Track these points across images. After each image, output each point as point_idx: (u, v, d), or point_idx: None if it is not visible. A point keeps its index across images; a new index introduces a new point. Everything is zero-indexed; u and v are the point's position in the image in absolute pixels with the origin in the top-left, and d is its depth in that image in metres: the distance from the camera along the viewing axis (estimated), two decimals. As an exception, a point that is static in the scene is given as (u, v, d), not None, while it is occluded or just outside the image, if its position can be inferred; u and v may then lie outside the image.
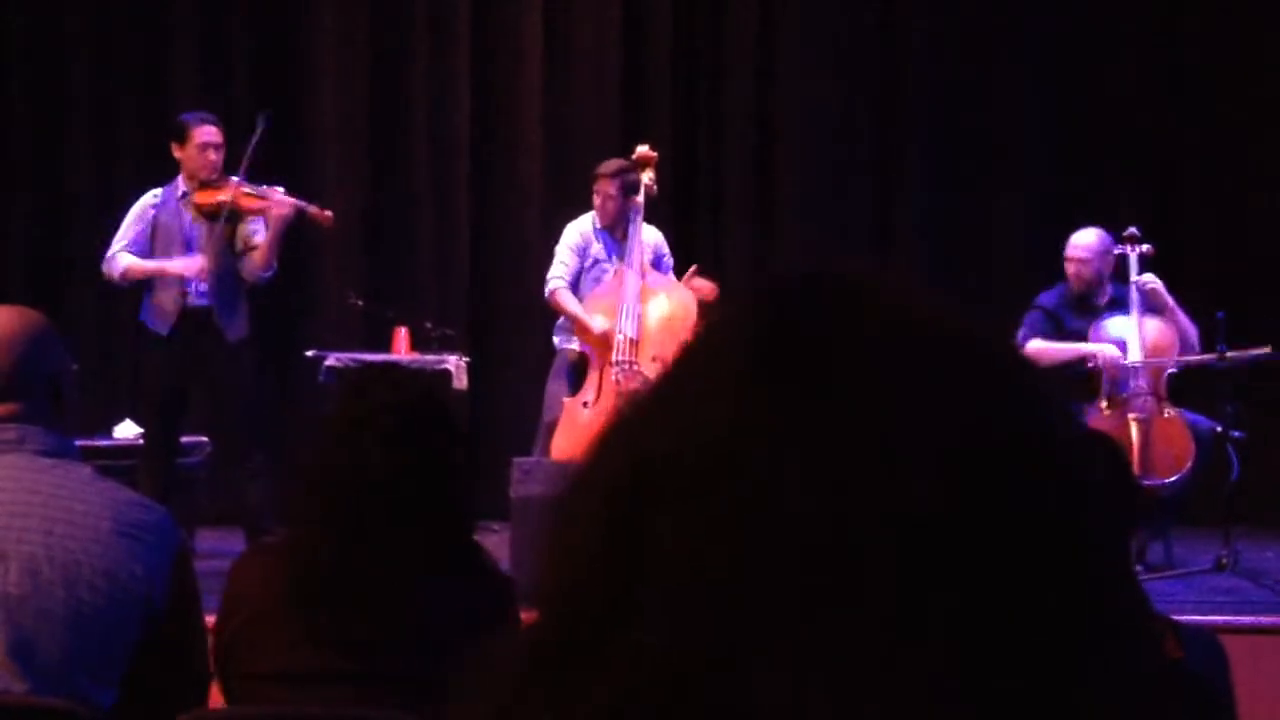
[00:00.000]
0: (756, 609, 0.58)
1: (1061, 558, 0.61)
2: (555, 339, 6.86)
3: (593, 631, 0.61)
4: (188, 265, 6.25)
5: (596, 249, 6.73)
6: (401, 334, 7.27)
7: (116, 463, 6.05)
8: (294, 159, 8.02)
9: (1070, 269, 6.46)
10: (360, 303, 7.60)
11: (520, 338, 7.98)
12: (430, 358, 7.10)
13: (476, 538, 2.45)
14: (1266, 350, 6.03)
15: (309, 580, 2.31)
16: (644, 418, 0.65)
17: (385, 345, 7.27)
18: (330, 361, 6.94)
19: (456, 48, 8.41)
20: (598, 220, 6.75)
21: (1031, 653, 0.59)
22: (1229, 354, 6.00)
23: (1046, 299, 6.50)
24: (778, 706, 0.57)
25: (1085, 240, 6.46)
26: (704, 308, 6.39)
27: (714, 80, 8.46)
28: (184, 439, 6.57)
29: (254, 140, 6.36)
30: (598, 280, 6.68)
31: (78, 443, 2.64)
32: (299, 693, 2.28)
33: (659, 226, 6.93)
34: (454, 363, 7.07)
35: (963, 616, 0.58)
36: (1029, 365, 0.66)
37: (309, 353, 7.19)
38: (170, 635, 2.41)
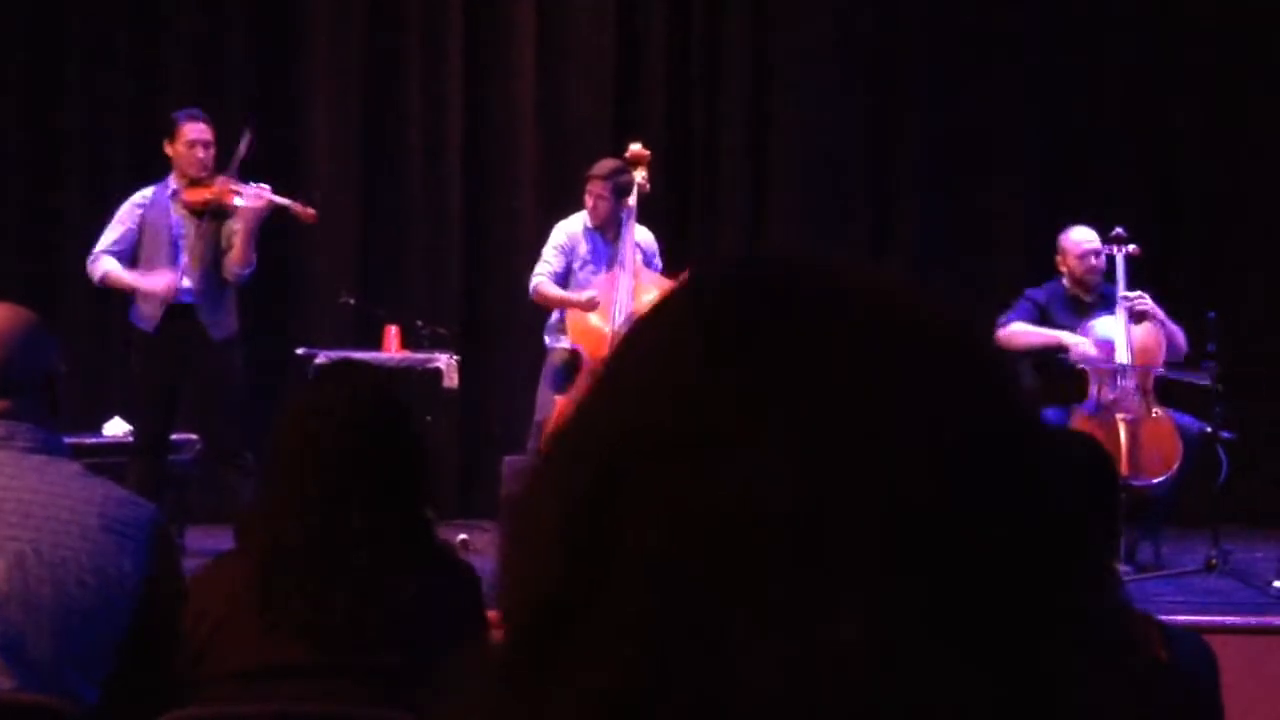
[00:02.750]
0: (726, 592, 0.58)
1: (1025, 549, 0.61)
2: (546, 338, 6.86)
3: (564, 626, 0.61)
4: (157, 282, 6.25)
5: (585, 250, 6.74)
6: (392, 332, 7.27)
7: (105, 460, 6.04)
8: (288, 157, 8.01)
9: (1079, 264, 6.43)
10: (352, 301, 7.60)
11: (512, 337, 7.98)
12: (421, 356, 7.10)
13: (465, 536, 2.45)
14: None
15: (271, 572, 2.32)
16: (608, 404, 0.64)
17: (376, 344, 7.27)
18: (321, 359, 6.92)
19: (449, 45, 8.40)
20: (589, 220, 6.75)
21: (998, 645, 0.60)
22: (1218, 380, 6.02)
23: (1037, 293, 6.53)
24: (755, 689, 0.57)
25: (1088, 234, 6.47)
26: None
27: (709, 78, 8.45)
28: (174, 437, 6.57)
29: (240, 148, 6.35)
30: (588, 280, 6.69)
31: (66, 440, 2.64)
32: (274, 687, 2.29)
33: (652, 225, 6.93)
34: (445, 361, 7.07)
35: (931, 603, 0.59)
36: (1002, 356, 0.66)
37: (299, 350, 7.18)
38: (157, 632, 2.41)
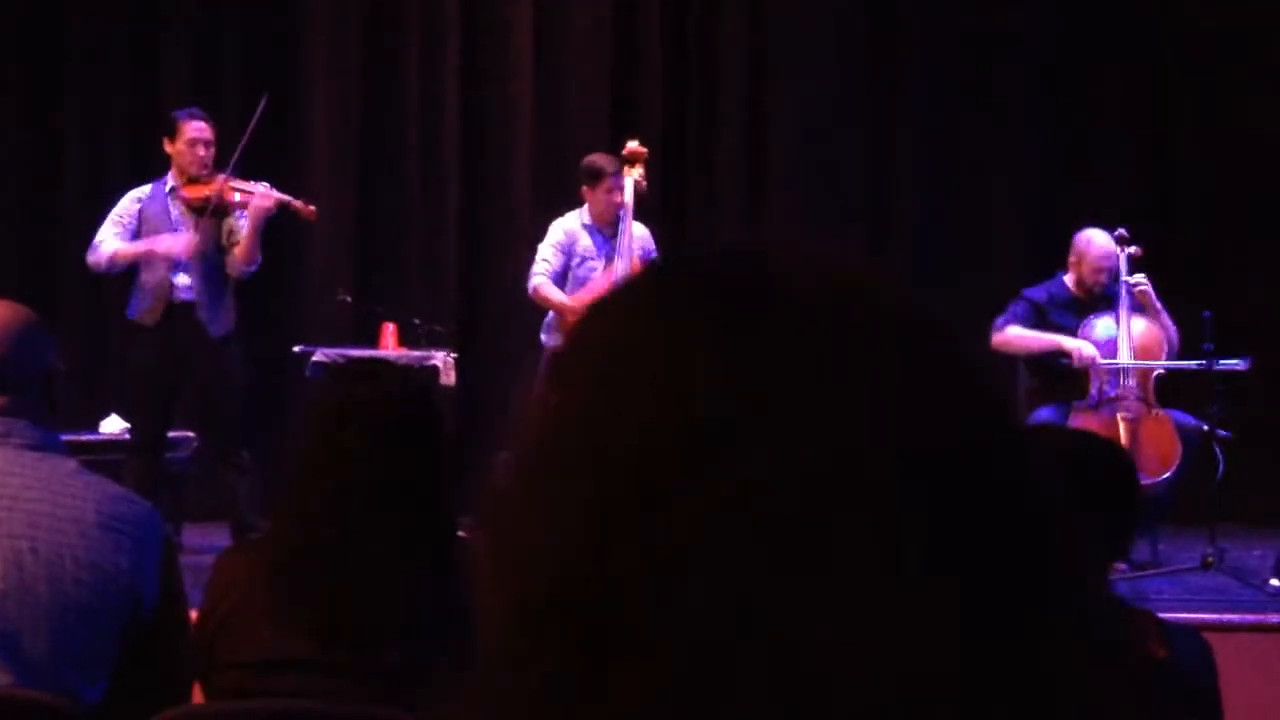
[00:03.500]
0: (740, 592, 0.58)
1: (1024, 549, 0.61)
2: (543, 336, 6.86)
3: (590, 630, 0.60)
4: (175, 241, 6.24)
5: (584, 246, 6.75)
6: (389, 330, 7.28)
7: (102, 457, 6.03)
8: (285, 154, 8.01)
9: (1092, 275, 6.35)
10: (349, 298, 7.60)
11: (508, 334, 7.98)
12: (418, 354, 7.11)
13: (462, 534, 2.44)
14: (1241, 363, 6.06)
15: (290, 567, 2.31)
16: (608, 401, 0.63)
17: (373, 341, 7.27)
18: (318, 357, 6.94)
19: (446, 43, 8.41)
20: (590, 218, 6.77)
21: (998, 644, 0.60)
22: (1216, 365, 6.02)
23: (1034, 293, 6.49)
24: (753, 690, 0.57)
25: (1109, 246, 6.37)
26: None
27: (706, 75, 8.45)
28: (172, 434, 6.57)
29: (255, 117, 6.36)
30: (586, 277, 6.69)
31: (63, 437, 2.63)
32: (278, 681, 2.29)
33: (649, 222, 6.94)
34: (441, 359, 7.07)
35: (932, 604, 0.58)
36: (985, 355, 0.67)
37: (296, 348, 7.18)
38: (155, 630, 2.41)
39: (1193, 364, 6.13)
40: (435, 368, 7.02)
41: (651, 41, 8.43)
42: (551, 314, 6.79)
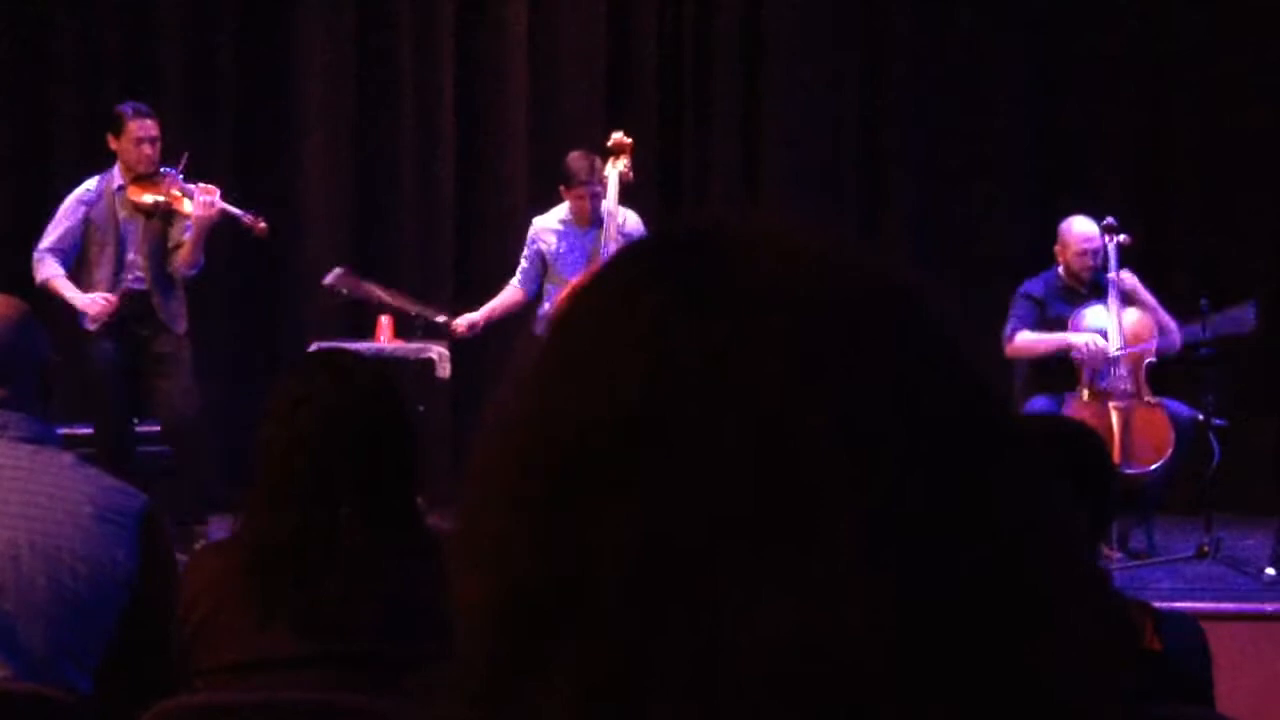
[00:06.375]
0: (703, 584, 0.56)
1: (1008, 543, 0.60)
2: (537, 329, 6.87)
3: (543, 625, 0.58)
4: (91, 303, 6.23)
5: (562, 242, 6.82)
6: (384, 322, 7.27)
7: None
8: (279, 146, 8.00)
9: (1076, 259, 6.37)
10: (345, 291, 7.58)
11: (504, 327, 7.97)
12: (413, 346, 7.10)
13: (434, 520, 2.43)
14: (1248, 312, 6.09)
15: (261, 558, 2.31)
16: (566, 393, 0.61)
17: (368, 333, 7.26)
18: (312, 349, 6.92)
19: (441, 33, 8.39)
20: (568, 215, 6.79)
21: (983, 641, 0.58)
22: (1211, 331, 6.06)
23: (1032, 287, 6.49)
24: (734, 684, 0.56)
25: (1090, 229, 6.39)
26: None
27: (700, 67, 8.45)
28: (140, 428, 6.55)
29: (178, 170, 6.33)
30: (573, 269, 6.70)
31: (59, 430, 2.63)
32: (261, 680, 2.28)
33: (643, 214, 6.93)
34: (437, 352, 7.06)
35: (912, 599, 0.57)
36: (955, 332, 0.64)
37: (292, 340, 7.17)
38: (150, 621, 2.41)
39: (1192, 329, 6.17)
40: (431, 360, 7.02)
41: (646, 35, 8.42)
42: (544, 306, 6.81)
